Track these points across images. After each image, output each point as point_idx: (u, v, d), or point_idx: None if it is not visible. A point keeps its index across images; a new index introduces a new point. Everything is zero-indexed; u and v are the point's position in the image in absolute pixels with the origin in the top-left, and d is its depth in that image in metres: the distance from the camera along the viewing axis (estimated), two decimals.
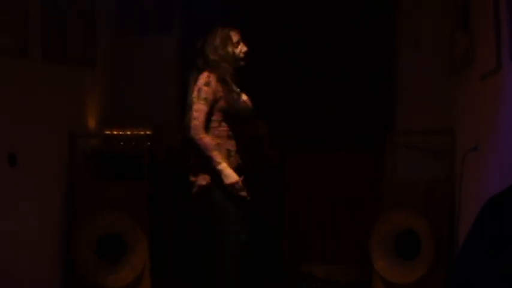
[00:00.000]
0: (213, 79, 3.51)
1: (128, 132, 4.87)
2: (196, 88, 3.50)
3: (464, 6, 4.22)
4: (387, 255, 4.57)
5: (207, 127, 3.51)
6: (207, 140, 3.45)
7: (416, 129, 4.82)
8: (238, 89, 3.65)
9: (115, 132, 4.89)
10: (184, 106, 3.65)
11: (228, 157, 3.52)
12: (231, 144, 3.56)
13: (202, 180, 3.50)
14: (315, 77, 5.28)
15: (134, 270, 4.56)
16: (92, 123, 5.00)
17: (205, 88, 3.48)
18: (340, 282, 4.97)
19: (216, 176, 3.45)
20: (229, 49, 3.63)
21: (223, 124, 3.55)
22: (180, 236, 5.01)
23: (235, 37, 3.66)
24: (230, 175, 3.43)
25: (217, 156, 3.43)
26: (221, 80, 3.55)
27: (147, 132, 4.84)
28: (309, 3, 5.26)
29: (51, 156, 4.49)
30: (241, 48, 3.67)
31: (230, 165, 3.50)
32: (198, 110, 3.45)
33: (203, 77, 3.52)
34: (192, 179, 3.55)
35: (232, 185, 3.43)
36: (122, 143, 4.85)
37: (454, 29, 4.45)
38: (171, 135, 4.99)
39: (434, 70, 4.80)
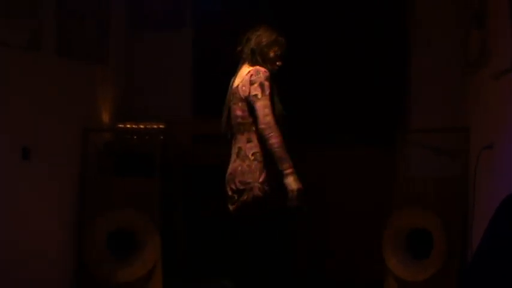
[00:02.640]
0: (268, 74, 3.36)
1: (141, 126, 4.88)
2: (257, 84, 3.30)
3: (479, 5, 4.20)
4: (399, 253, 4.57)
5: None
6: (282, 138, 3.24)
7: (430, 128, 4.81)
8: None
9: (128, 126, 4.90)
10: (221, 101, 3.51)
11: None
12: None
13: (257, 190, 3.29)
14: (328, 75, 5.27)
15: (145, 265, 4.57)
16: (105, 118, 5.01)
17: (267, 83, 3.31)
18: (352, 280, 4.97)
19: (275, 179, 3.25)
20: (272, 54, 3.47)
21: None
22: (192, 232, 5.02)
23: (281, 47, 3.51)
24: (297, 180, 3.22)
25: (289, 159, 3.23)
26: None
27: (161, 126, 4.84)
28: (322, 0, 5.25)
29: (64, 150, 4.50)
30: (279, 62, 3.51)
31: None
32: (267, 106, 3.26)
33: (262, 71, 3.34)
34: (242, 187, 3.32)
35: (298, 190, 3.20)
36: (135, 137, 4.86)
37: (468, 27, 4.43)
38: (184, 130, 5.00)
39: (448, 68, 4.78)
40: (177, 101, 5.26)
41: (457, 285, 4.12)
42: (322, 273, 5.08)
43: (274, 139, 3.22)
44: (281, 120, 3.35)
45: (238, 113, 3.39)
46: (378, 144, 5.06)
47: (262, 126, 3.25)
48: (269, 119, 3.24)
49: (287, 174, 3.20)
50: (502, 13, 3.72)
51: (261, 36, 3.47)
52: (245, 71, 3.43)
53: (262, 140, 3.28)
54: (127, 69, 5.30)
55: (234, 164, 3.37)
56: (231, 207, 3.41)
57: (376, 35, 5.16)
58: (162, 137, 4.79)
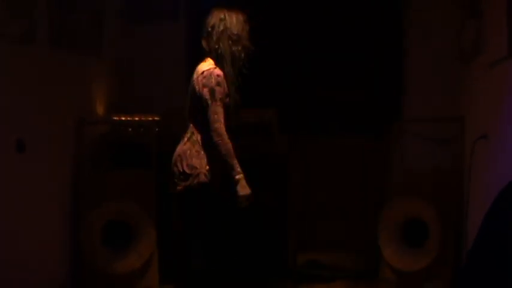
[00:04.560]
0: (221, 77, 3.41)
1: (136, 118, 4.87)
2: (207, 89, 3.39)
3: None
4: (395, 243, 4.59)
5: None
6: (230, 146, 3.34)
7: (425, 118, 4.81)
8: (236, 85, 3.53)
9: (123, 118, 4.89)
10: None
11: None
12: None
13: (203, 176, 3.39)
14: (323, 64, 5.27)
15: (141, 257, 4.57)
16: (100, 110, 5.00)
17: (218, 88, 3.39)
18: (347, 270, 4.98)
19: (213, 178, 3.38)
20: (245, 42, 3.48)
21: (224, 120, 3.42)
22: (188, 224, 5.01)
23: (246, 27, 3.50)
24: (246, 186, 3.35)
25: (237, 165, 3.35)
26: (227, 76, 3.45)
27: (155, 118, 4.84)
28: None
29: (59, 142, 4.49)
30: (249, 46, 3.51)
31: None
32: (218, 112, 3.36)
33: (214, 76, 3.40)
34: (188, 171, 3.41)
35: (245, 197, 3.35)
36: (130, 129, 4.85)
37: (464, 16, 4.42)
38: (179, 121, 4.98)
39: (444, 58, 4.77)
40: (172, 92, 5.24)
41: (453, 283, 4.15)
42: (316, 263, 5.09)
43: (222, 147, 3.33)
44: (235, 110, 3.48)
45: (194, 103, 3.46)
46: (373, 133, 5.07)
47: (212, 132, 3.36)
48: (218, 125, 3.34)
49: (236, 181, 3.34)
50: (497, 2, 3.72)
51: (224, 31, 3.46)
52: (204, 67, 3.46)
53: (212, 143, 3.38)
54: (121, 61, 5.27)
55: (184, 147, 3.45)
56: (173, 188, 3.48)
57: (372, 24, 5.16)
58: (157, 129, 4.78)
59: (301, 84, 5.27)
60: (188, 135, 3.48)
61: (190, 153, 3.42)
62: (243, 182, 3.34)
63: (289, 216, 4.98)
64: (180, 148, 3.48)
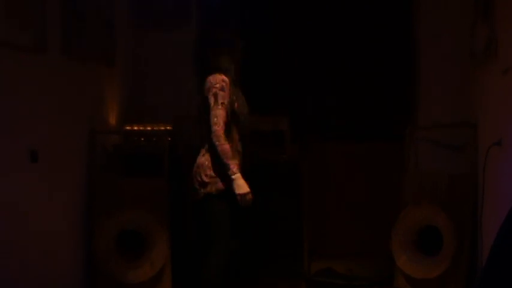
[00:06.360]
0: (227, 83, 3.63)
1: (149, 128, 4.89)
2: (211, 93, 3.60)
3: None
4: (409, 250, 4.55)
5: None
6: (226, 147, 3.56)
7: (438, 123, 4.78)
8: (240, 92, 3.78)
9: (135, 128, 4.91)
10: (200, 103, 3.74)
11: (239, 159, 3.67)
12: (240, 146, 3.70)
13: (221, 184, 3.63)
14: (337, 70, 5.27)
15: (154, 266, 4.57)
16: (112, 119, 5.01)
17: (222, 93, 3.59)
18: (361, 278, 4.95)
19: (228, 183, 3.57)
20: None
21: (235, 127, 3.68)
22: (201, 233, 5.01)
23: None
24: (243, 186, 3.55)
25: (234, 165, 3.55)
26: (232, 83, 3.68)
27: (168, 128, 4.85)
28: None
29: (72, 152, 4.50)
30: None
31: (240, 166, 3.63)
32: (218, 115, 3.57)
33: (218, 81, 3.62)
34: (207, 180, 3.66)
35: (244, 195, 3.54)
36: (142, 139, 4.86)
37: (475, 19, 4.39)
38: (191, 129, 4.99)
39: (457, 62, 4.74)
40: (185, 99, 5.24)
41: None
42: (330, 270, 5.06)
43: (220, 147, 3.55)
44: (246, 120, 3.74)
45: (206, 112, 3.67)
46: (386, 139, 5.05)
47: (211, 134, 3.58)
48: (216, 128, 3.56)
49: (232, 180, 3.55)
50: (510, 5, 3.68)
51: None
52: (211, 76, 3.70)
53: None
54: (134, 68, 5.29)
55: (202, 158, 3.71)
56: (193, 198, 3.77)
57: (384, 27, 5.16)
58: (169, 138, 4.79)
59: (314, 89, 5.28)
60: (206, 146, 3.71)
61: (208, 164, 3.66)
62: (239, 182, 3.55)
63: (303, 223, 4.96)
64: (199, 160, 3.73)
